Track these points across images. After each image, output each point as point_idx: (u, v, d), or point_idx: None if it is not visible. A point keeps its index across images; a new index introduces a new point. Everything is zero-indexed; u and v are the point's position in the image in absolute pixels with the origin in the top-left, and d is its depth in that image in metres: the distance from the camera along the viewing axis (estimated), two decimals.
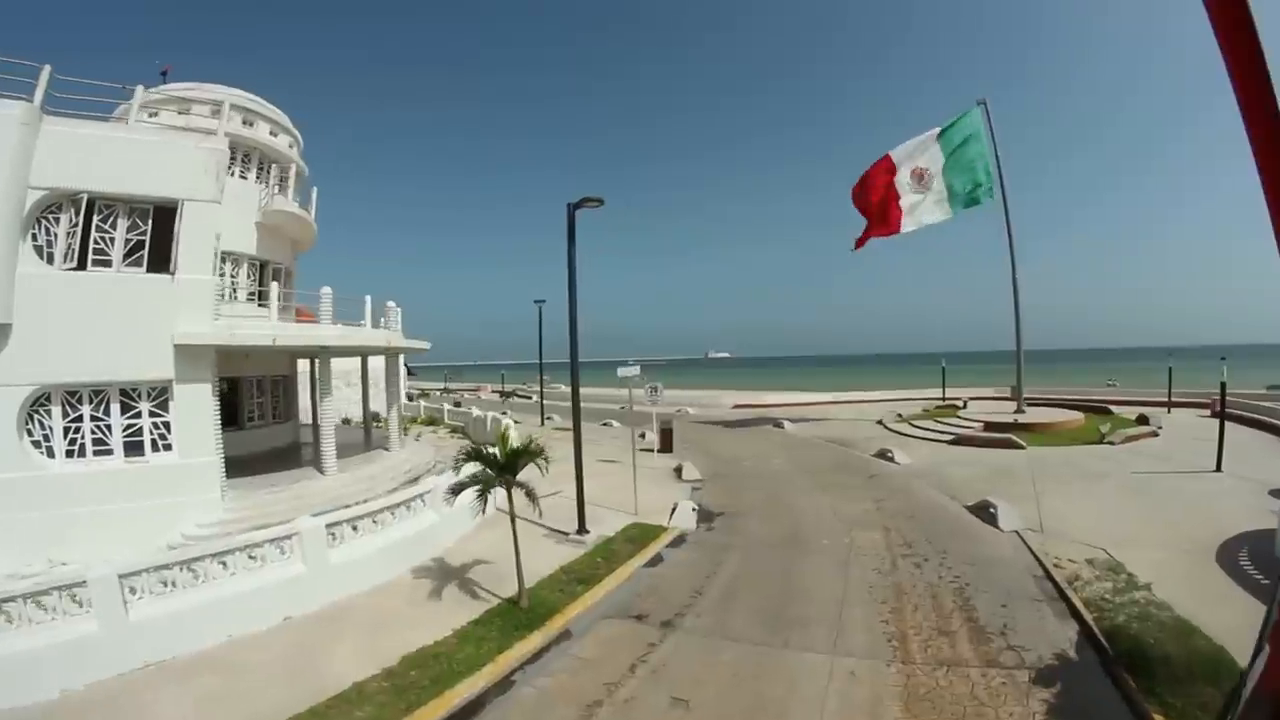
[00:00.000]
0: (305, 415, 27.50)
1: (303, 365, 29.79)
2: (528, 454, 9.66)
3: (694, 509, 13.90)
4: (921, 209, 24.60)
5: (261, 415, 23.14)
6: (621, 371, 15.32)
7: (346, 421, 33.65)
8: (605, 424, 31.30)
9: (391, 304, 21.24)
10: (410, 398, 48.92)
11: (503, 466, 9.37)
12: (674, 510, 13.71)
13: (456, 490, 9.88)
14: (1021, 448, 19.93)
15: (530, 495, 9.46)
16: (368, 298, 19.35)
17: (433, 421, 32.72)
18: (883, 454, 19.01)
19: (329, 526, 10.56)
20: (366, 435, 26.17)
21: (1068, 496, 13.90)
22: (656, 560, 11.26)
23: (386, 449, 21.56)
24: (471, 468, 9.98)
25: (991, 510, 12.50)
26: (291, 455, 21.28)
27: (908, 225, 24.43)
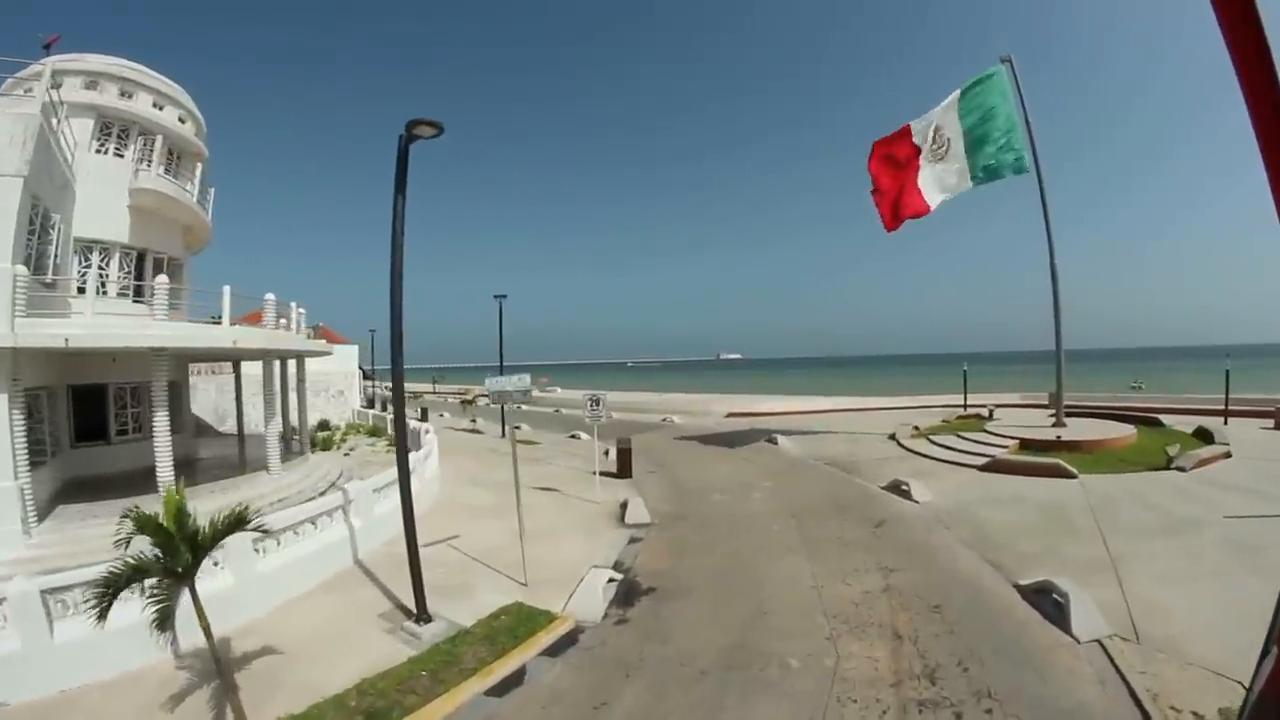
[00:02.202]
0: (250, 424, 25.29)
1: (251, 369, 26.56)
2: (183, 540, 5.46)
3: (613, 579, 9.63)
4: (943, 179, 20.24)
5: (138, 427, 19.60)
6: (491, 383, 11.08)
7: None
8: (573, 436, 27.07)
9: (271, 297, 17.31)
10: (372, 403, 45.15)
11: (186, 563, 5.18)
12: (580, 582, 9.41)
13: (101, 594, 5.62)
14: (1073, 476, 15.43)
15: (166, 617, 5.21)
16: (226, 288, 15.56)
17: (376, 432, 28.70)
18: (896, 486, 14.54)
19: (51, 592, 7.59)
20: (290, 447, 22.24)
21: (1156, 565, 9.43)
22: (512, 682, 6.96)
23: (268, 469, 17.53)
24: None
25: (1058, 599, 8.07)
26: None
27: (933, 199, 20.08)
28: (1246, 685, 3.89)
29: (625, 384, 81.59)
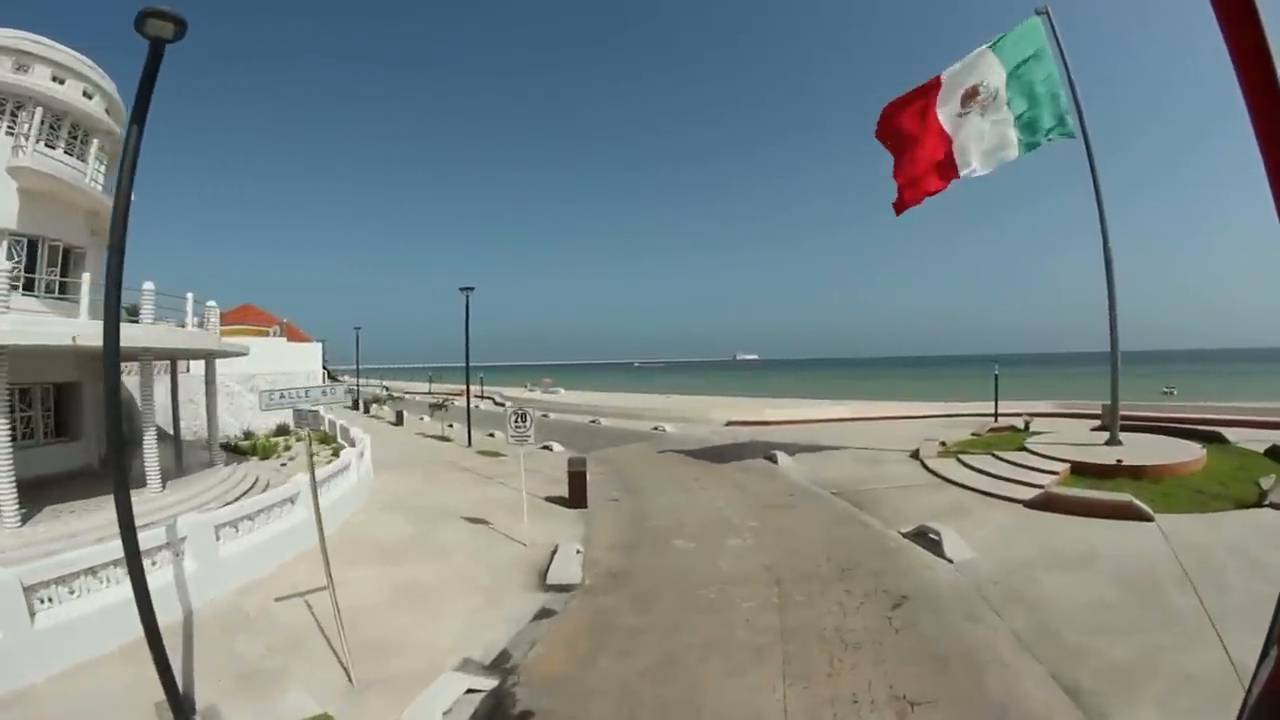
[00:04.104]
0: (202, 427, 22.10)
1: (199, 369, 24.23)
2: None
3: (474, 691, 6.34)
4: (982, 146, 16.65)
5: (29, 432, 17.02)
6: (270, 400, 7.84)
7: (249, 435, 27.48)
8: (545, 447, 23.77)
9: (150, 285, 14.64)
10: (356, 404, 42.38)
11: None
12: (427, 689, 6.11)
13: None
14: (1149, 519, 11.88)
15: None
16: (85, 275, 12.75)
17: (327, 439, 25.69)
18: (922, 534, 10.94)
19: None
20: (212, 455, 19.32)
21: None
22: None
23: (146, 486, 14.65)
24: None
25: None
26: (54, 486, 15.26)
27: (967, 166, 16.52)
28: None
29: (629, 386, 78.35)
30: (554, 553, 10.42)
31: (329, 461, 20.76)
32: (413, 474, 19.00)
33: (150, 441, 14.49)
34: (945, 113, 16.65)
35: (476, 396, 56.07)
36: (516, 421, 11.66)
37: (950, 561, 9.67)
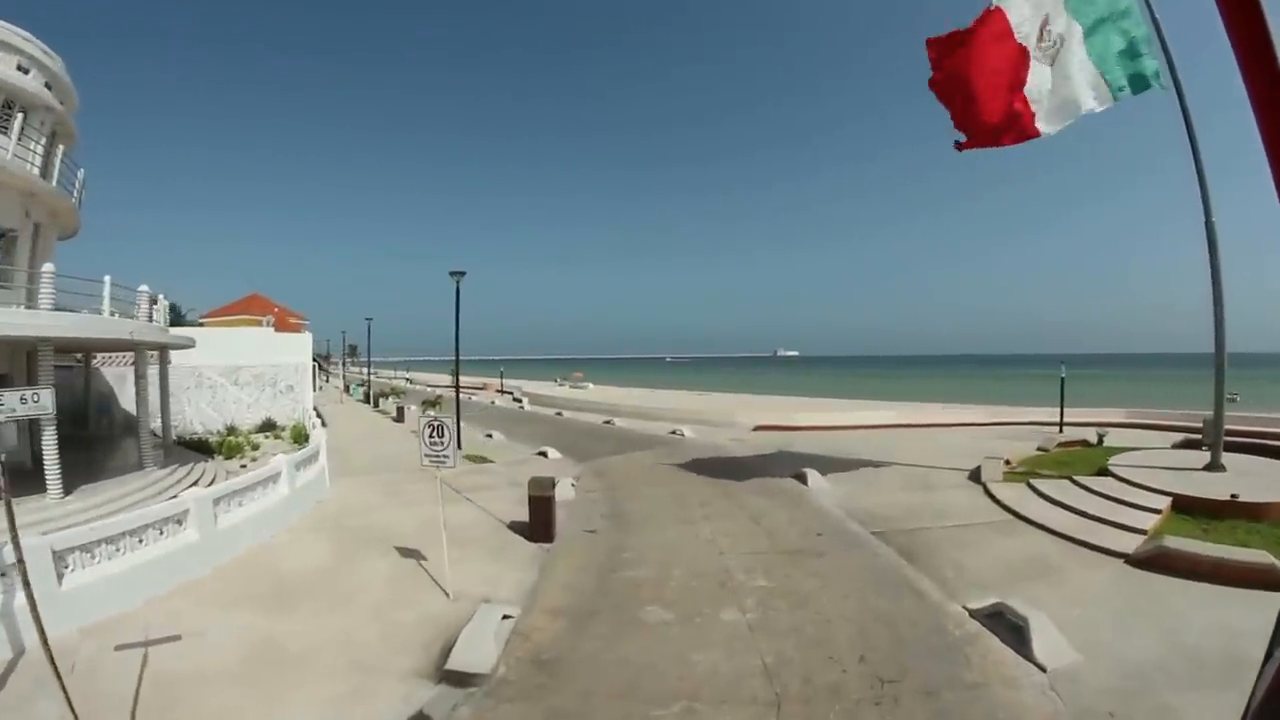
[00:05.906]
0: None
1: (177, 358, 22.51)
2: None
3: None
4: (1061, 92, 13.33)
5: None
6: None
7: (232, 430, 25.66)
8: (540, 453, 21.14)
9: (49, 265, 12.66)
10: (368, 398, 40.45)
11: None
12: None
13: None
14: None
15: None
16: None
17: (301, 437, 23.53)
18: (998, 614, 7.64)
19: None
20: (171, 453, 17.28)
21: None
22: None
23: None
24: None
25: None
26: None
27: (1046, 118, 13.22)
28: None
29: (658, 382, 75.29)
30: (470, 619, 7.58)
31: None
32: (376, 482, 16.59)
33: (49, 441, 12.27)
34: (1027, 50, 13.38)
35: (496, 391, 53.94)
36: (431, 437, 8.88)
37: (1042, 669, 6.43)
